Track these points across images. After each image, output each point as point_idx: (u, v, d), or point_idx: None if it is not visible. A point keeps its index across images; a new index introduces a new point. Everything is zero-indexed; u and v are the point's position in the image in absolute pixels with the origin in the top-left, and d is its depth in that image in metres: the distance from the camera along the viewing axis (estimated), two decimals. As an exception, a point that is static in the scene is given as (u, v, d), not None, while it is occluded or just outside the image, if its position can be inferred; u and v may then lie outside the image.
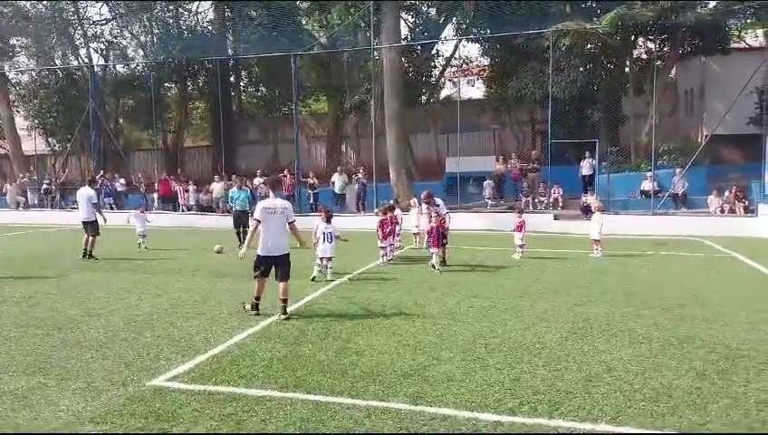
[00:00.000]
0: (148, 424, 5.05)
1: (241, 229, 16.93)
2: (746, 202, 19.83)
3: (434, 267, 12.23)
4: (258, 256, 8.48)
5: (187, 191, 25.99)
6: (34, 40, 33.02)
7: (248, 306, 8.65)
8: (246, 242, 8.76)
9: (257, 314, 8.42)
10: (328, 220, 11.79)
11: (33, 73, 34.02)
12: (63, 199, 28.41)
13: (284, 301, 8.42)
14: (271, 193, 9.06)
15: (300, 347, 7.04)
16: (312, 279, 11.17)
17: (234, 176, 23.84)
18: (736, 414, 5.13)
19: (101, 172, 27.22)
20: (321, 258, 11.44)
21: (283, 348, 7.00)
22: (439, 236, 12.36)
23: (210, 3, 34.66)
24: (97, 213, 14.69)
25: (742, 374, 6.04)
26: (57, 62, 34.21)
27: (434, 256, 12.32)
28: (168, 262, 13.99)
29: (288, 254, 8.51)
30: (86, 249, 14.46)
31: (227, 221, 18.85)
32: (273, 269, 8.50)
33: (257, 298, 8.59)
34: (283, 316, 8.31)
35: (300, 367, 6.35)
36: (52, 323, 8.32)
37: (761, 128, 20.36)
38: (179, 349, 7.04)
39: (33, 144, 31.80)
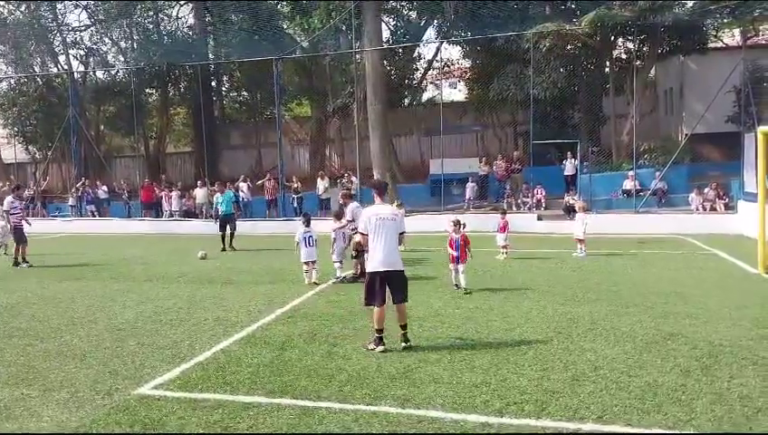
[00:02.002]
0: (133, 433, 5.01)
1: (226, 232, 16.81)
2: (726, 199, 20.10)
3: (456, 287, 10.40)
4: (368, 273, 7.23)
5: (170, 197, 25.79)
6: (12, 47, 32.60)
7: (372, 345, 7.03)
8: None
9: (385, 351, 6.92)
10: (307, 224, 11.74)
11: (12, 81, 33.58)
12: (45, 208, 28.07)
13: (404, 326, 7.17)
14: (378, 198, 7.49)
15: (286, 352, 7.01)
16: (315, 283, 11.18)
17: (217, 183, 23.72)
18: (720, 410, 5.19)
19: (82, 180, 26.91)
20: (305, 262, 11.41)
21: (269, 354, 6.97)
22: (459, 249, 10.31)
23: (190, 8, 34.45)
24: (6, 221, 15.09)
25: (725, 370, 6.12)
26: (36, 68, 33.80)
27: (452, 273, 10.52)
28: (152, 269, 13.84)
29: (404, 271, 7.27)
30: (16, 257, 14.76)
31: (211, 227, 18.71)
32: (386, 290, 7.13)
33: (380, 330, 7.03)
34: (404, 344, 7.07)
35: (286, 372, 6.33)
36: (35, 332, 8.22)
37: (739, 126, 20.63)
38: (164, 357, 6.99)
39: (12, 152, 31.37)
